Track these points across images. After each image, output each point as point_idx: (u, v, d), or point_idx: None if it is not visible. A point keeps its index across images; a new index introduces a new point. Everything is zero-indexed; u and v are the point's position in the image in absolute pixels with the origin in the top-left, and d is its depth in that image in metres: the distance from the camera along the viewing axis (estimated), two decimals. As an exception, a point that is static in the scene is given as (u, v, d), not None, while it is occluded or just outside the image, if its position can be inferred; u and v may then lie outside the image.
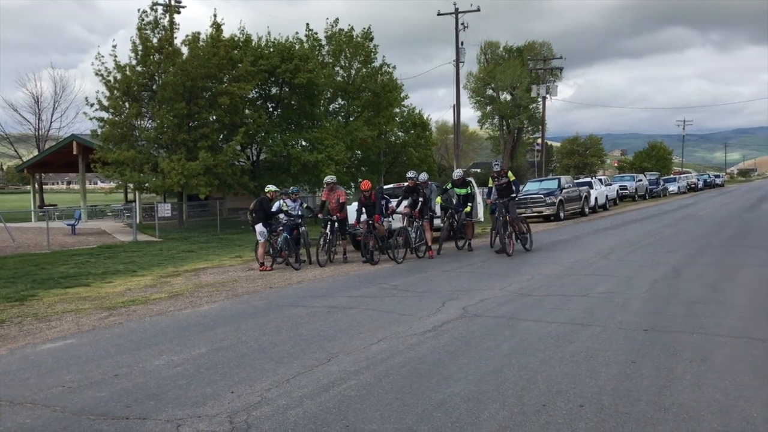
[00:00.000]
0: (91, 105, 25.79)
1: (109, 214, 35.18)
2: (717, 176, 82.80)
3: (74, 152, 31.74)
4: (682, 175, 65.81)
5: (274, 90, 31.72)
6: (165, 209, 25.71)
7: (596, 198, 32.32)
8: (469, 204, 15.80)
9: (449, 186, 16.27)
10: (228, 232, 25.86)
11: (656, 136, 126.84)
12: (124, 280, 13.16)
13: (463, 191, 15.83)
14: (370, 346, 6.53)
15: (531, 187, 28.91)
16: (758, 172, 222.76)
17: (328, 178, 15.44)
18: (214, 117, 26.77)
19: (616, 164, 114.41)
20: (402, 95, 38.62)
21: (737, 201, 38.34)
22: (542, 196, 26.78)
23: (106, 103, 25.79)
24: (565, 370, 5.52)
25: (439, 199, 15.70)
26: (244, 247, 20.18)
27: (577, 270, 11.53)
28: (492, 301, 8.77)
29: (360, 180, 36.19)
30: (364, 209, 14.42)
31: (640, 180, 47.30)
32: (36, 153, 41.32)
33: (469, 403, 4.77)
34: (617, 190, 40.11)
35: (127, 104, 26.14)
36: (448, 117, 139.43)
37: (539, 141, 71.75)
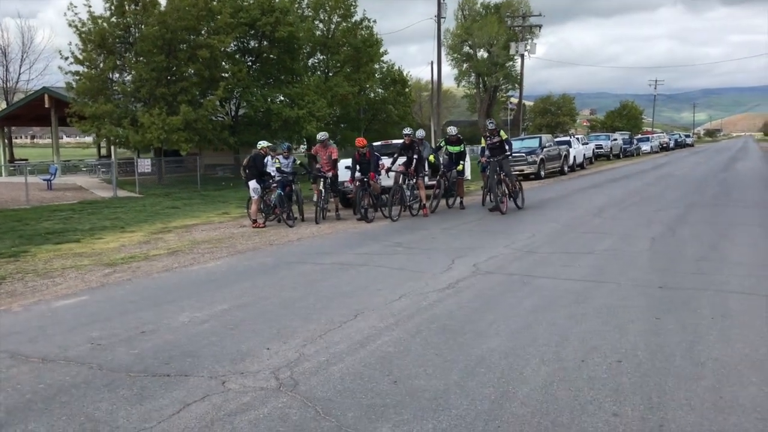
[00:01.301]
0: (66, 58, 25.01)
1: (84, 169, 34.45)
2: (687, 136, 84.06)
3: (46, 105, 30.84)
4: (654, 135, 66.59)
5: (252, 43, 31.09)
6: (145, 165, 25.25)
7: (575, 157, 32.55)
8: (462, 162, 15.79)
9: (443, 143, 16.22)
10: (208, 189, 25.57)
11: (625, 95, 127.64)
12: (115, 237, 12.97)
13: (456, 149, 15.79)
14: (392, 302, 6.55)
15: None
16: (724, 133, 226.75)
17: (321, 135, 15.26)
18: (192, 71, 26.16)
19: (585, 123, 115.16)
20: (381, 50, 38.20)
21: (710, 161, 39.02)
22: (524, 154, 26.81)
23: (80, 56, 25.04)
24: (593, 326, 5.62)
25: (431, 157, 15.64)
26: (228, 203, 20.00)
27: (574, 228, 11.68)
28: (500, 258, 8.85)
29: (339, 137, 35.94)
30: (358, 166, 14.32)
31: (615, 139, 47.74)
32: (4, 106, 40.09)
33: (508, 358, 4.84)
34: (593, 149, 40.44)
35: (102, 57, 25.41)
36: (423, 74, 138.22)
37: (512, 100, 71.76)
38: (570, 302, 6.41)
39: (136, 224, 15.05)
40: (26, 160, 36.63)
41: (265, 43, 30.14)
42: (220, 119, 29.07)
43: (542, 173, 26.85)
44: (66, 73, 25.37)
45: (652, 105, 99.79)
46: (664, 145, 62.28)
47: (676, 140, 70.42)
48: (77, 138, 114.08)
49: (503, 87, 64.07)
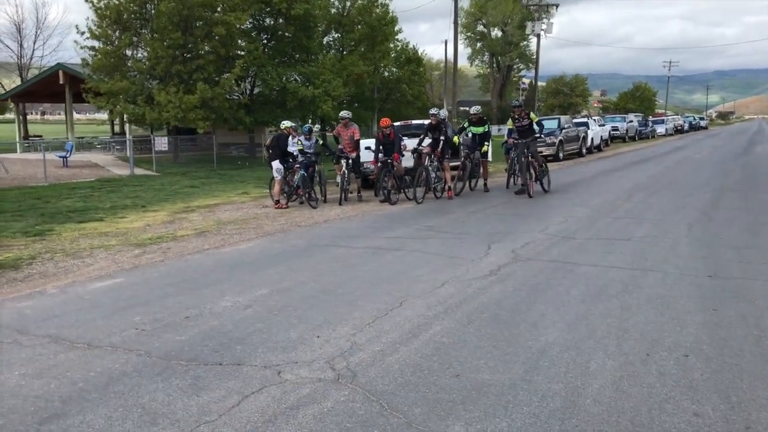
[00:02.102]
0: (82, 33, 24.76)
1: (98, 146, 34.30)
2: (701, 119, 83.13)
3: (61, 82, 30.60)
4: (668, 117, 65.88)
5: (268, 21, 30.68)
6: (162, 143, 25.06)
7: (592, 139, 32.16)
8: (486, 143, 15.55)
9: (466, 124, 15.96)
10: (225, 168, 25.39)
11: (637, 76, 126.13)
12: (138, 216, 12.85)
13: (480, 130, 15.54)
14: (435, 290, 6.39)
15: (530, 126, 28.52)
16: (736, 115, 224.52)
17: (344, 113, 15.03)
18: (209, 48, 25.85)
19: (596, 104, 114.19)
20: (396, 29, 37.74)
21: (728, 144, 38.55)
22: (542, 136, 26.43)
23: (96, 32, 24.77)
24: (649, 317, 5.44)
25: (456, 138, 15.37)
26: (246, 183, 19.82)
27: (606, 213, 11.46)
28: (537, 244, 8.66)
29: (352, 117, 35.62)
30: (381, 147, 14.10)
31: (631, 121, 47.21)
32: (18, 82, 39.88)
33: (570, 351, 4.68)
34: (609, 131, 39.98)
35: (117, 33, 25.14)
36: (434, 53, 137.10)
37: (524, 80, 71.03)
38: (619, 291, 6.23)
39: (158, 203, 14.92)
40: (40, 136, 36.44)
41: (281, 20, 29.72)
42: (236, 98, 28.76)
43: (561, 155, 26.50)
44: (82, 48, 25.13)
45: (663, 86, 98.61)
46: (679, 128, 61.62)
47: (690, 123, 69.68)
48: (88, 114, 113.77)
49: (517, 66, 63.45)
